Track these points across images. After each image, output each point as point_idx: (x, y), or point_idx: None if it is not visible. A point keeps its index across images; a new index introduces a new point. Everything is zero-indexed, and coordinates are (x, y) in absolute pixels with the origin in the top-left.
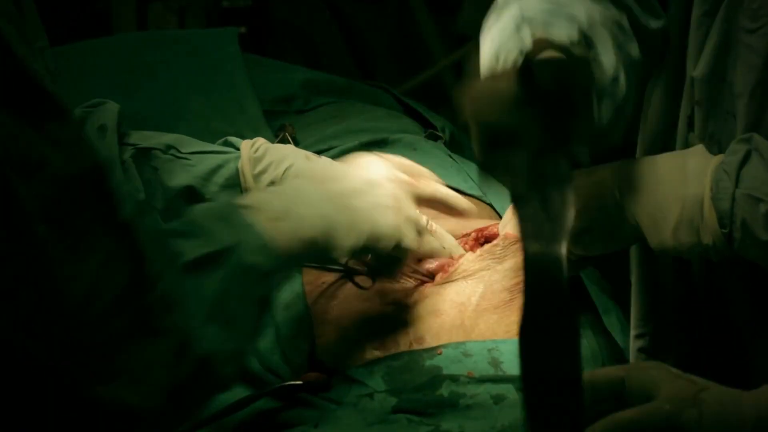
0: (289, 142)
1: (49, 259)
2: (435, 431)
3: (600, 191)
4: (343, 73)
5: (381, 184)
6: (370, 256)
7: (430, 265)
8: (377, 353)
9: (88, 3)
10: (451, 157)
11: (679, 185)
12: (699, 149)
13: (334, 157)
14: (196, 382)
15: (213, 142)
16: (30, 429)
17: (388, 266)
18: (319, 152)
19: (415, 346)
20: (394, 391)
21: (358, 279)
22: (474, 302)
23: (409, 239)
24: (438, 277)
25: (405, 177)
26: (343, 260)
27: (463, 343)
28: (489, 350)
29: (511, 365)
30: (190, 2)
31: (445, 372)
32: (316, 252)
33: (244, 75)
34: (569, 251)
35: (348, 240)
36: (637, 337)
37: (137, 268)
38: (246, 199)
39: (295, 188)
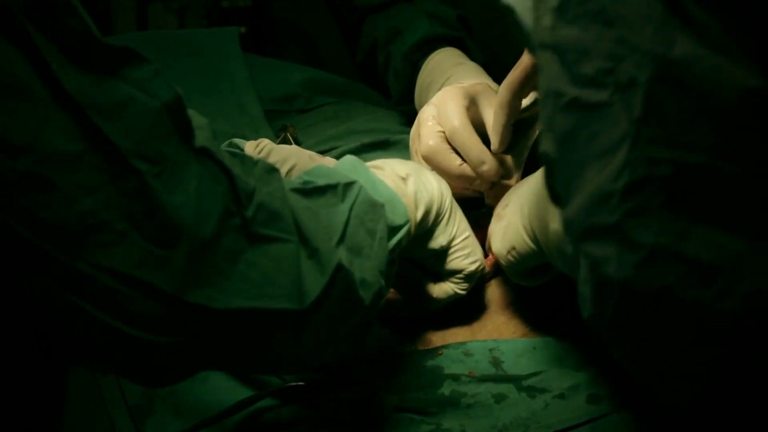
0: (291, 143)
1: (154, 191)
2: (436, 430)
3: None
4: (343, 73)
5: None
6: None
7: None
8: (380, 354)
9: (88, 3)
10: None
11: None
12: None
13: (336, 158)
14: (338, 294)
15: None
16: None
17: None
18: (321, 153)
19: (420, 348)
20: (395, 390)
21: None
22: (482, 304)
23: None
24: None
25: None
26: (434, 248)
27: (464, 343)
28: (490, 350)
29: (512, 365)
30: (190, 2)
31: (446, 371)
32: (423, 231)
33: (246, 75)
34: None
35: (443, 237)
36: None
37: (230, 187)
38: (370, 162)
39: (416, 163)
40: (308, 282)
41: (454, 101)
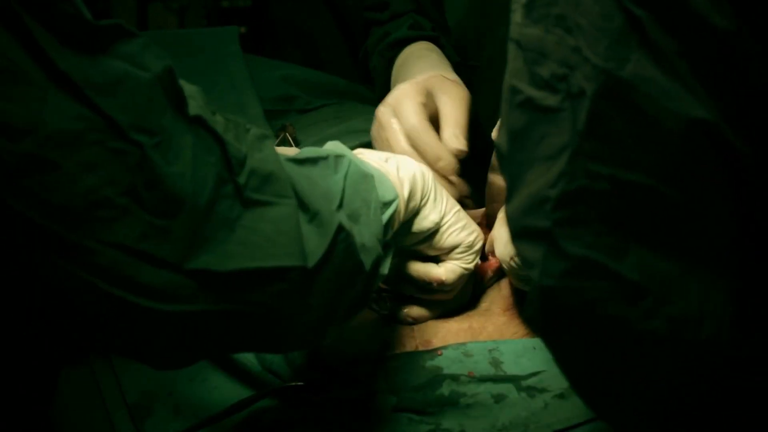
0: (290, 143)
1: (154, 162)
2: (435, 430)
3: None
4: (342, 73)
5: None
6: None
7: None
8: (380, 354)
9: (88, 3)
10: None
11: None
12: None
13: None
14: (340, 256)
15: None
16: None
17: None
18: None
19: (421, 349)
20: (395, 390)
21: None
22: (483, 306)
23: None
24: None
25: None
26: (428, 227)
27: (463, 343)
28: (489, 350)
29: (512, 365)
30: (190, 2)
31: (445, 372)
32: (413, 213)
33: (246, 75)
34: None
35: (434, 214)
36: None
37: (222, 154)
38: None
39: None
40: (311, 244)
41: (409, 99)
